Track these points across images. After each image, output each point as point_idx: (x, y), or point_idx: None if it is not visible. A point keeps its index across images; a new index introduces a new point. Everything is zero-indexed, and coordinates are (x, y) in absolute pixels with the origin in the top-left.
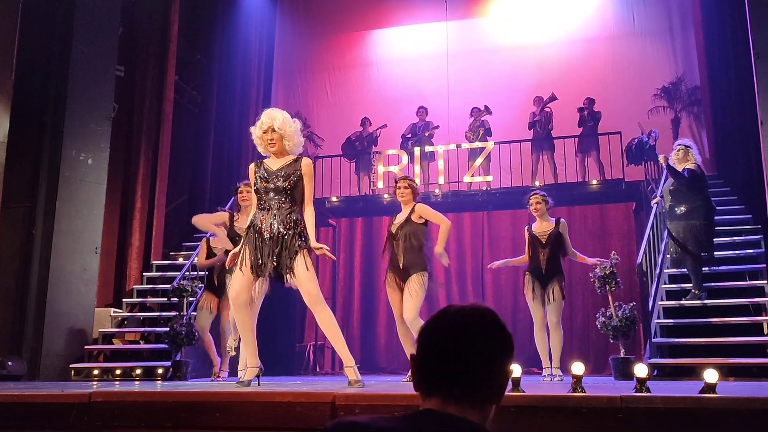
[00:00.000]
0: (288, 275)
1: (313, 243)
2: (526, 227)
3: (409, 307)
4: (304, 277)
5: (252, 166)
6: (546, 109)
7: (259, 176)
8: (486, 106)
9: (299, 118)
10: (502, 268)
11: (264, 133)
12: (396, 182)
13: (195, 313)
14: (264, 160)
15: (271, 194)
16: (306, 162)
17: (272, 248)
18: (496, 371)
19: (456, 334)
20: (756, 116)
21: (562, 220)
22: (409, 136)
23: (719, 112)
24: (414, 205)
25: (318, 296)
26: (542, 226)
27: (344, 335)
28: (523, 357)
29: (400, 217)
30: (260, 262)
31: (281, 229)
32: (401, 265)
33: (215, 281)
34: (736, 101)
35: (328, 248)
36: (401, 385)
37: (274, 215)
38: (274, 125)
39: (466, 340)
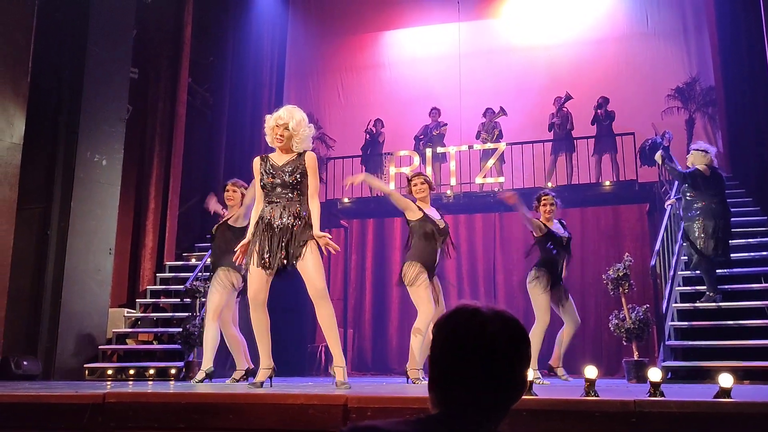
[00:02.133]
0: (296, 264)
1: (316, 232)
2: (541, 222)
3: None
4: (311, 270)
5: (257, 160)
6: (563, 110)
7: (265, 172)
8: (501, 108)
9: (311, 119)
10: (514, 270)
11: (276, 126)
12: (410, 179)
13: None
14: (270, 155)
15: (278, 189)
16: (310, 156)
17: (281, 239)
18: (515, 378)
19: (478, 338)
20: None
21: (564, 222)
22: (422, 137)
23: (734, 113)
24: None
25: (323, 290)
26: (557, 229)
27: (356, 336)
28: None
29: (435, 215)
30: (269, 253)
31: (290, 221)
32: (435, 265)
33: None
34: (750, 102)
35: (330, 236)
36: (413, 386)
37: (283, 208)
38: (289, 124)
39: (488, 346)
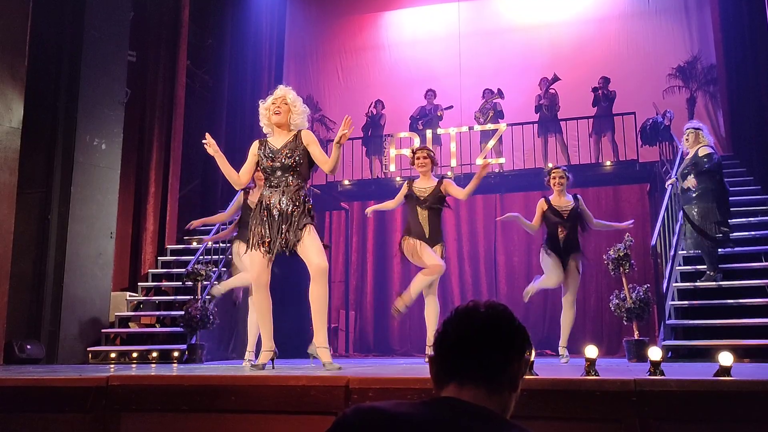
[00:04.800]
0: (296, 248)
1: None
2: (543, 198)
3: (436, 261)
4: (313, 250)
5: (255, 143)
6: (551, 91)
7: (264, 155)
8: (499, 90)
9: (311, 101)
10: (515, 251)
11: (273, 102)
12: (414, 152)
13: (209, 297)
14: (267, 139)
15: (278, 173)
16: (305, 133)
17: (280, 225)
18: (507, 363)
19: (468, 330)
20: None
21: (579, 196)
22: (418, 117)
23: (735, 92)
24: (442, 179)
25: (325, 269)
26: (561, 201)
27: (358, 318)
28: (535, 339)
29: (424, 184)
30: (268, 238)
31: (289, 206)
32: (427, 234)
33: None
34: (752, 80)
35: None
36: (415, 368)
37: (282, 192)
38: (286, 98)
39: (477, 335)
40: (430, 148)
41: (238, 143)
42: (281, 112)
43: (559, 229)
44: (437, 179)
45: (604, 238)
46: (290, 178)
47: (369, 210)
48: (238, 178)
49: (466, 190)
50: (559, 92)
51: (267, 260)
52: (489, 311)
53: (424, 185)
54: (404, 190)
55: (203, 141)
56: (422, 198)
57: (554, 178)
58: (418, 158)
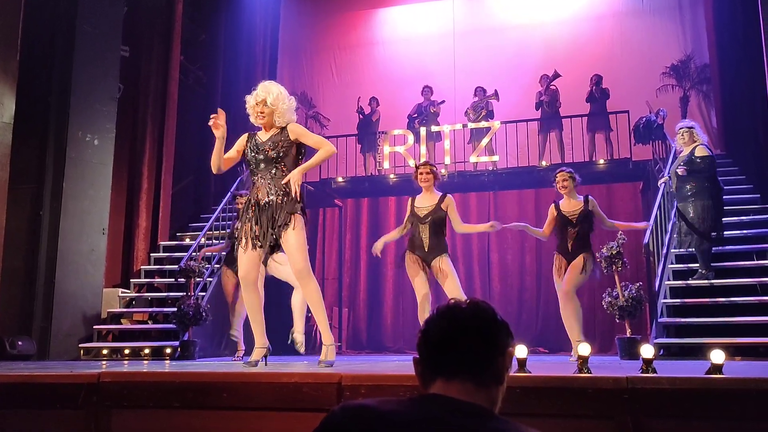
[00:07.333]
0: (281, 240)
1: (294, 173)
2: (553, 204)
3: (454, 287)
4: (293, 248)
5: (244, 136)
6: (551, 87)
7: (250, 148)
8: (495, 91)
9: (305, 98)
10: (508, 250)
11: (256, 104)
12: (417, 168)
13: (203, 294)
14: (257, 133)
15: (262, 165)
16: (292, 127)
17: (269, 215)
18: (491, 358)
19: (452, 326)
20: (766, 95)
21: (590, 197)
22: (415, 116)
23: (728, 91)
24: (445, 195)
25: (305, 269)
26: (570, 205)
27: (351, 315)
28: (528, 337)
29: (426, 202)
30: (260, 232)
31: (275, 198)
32: (426, 248)
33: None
34: (745, 79)
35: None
36: (407, 365)
37: (268, 185)
38: (267, 99)
39: (461, 331)
40: (420, 152)
41: (231, 139)
42: (264, 116)
43: (569, 232)
44: (440, 194)
45: (597, 236)
46: (275, 170)
47: (379, 246)
48: (219, 162)
49: (464, 228)
50: None
51: (257, 257)
52: (471, 308)
53: (425, 203)
54: (408, 210)
55: (212, 116)
56: (422, 216)
57: (558, 182)
58: (421, 173)
